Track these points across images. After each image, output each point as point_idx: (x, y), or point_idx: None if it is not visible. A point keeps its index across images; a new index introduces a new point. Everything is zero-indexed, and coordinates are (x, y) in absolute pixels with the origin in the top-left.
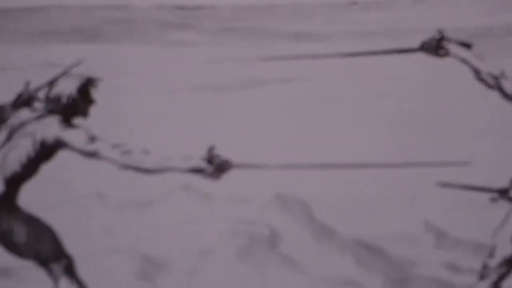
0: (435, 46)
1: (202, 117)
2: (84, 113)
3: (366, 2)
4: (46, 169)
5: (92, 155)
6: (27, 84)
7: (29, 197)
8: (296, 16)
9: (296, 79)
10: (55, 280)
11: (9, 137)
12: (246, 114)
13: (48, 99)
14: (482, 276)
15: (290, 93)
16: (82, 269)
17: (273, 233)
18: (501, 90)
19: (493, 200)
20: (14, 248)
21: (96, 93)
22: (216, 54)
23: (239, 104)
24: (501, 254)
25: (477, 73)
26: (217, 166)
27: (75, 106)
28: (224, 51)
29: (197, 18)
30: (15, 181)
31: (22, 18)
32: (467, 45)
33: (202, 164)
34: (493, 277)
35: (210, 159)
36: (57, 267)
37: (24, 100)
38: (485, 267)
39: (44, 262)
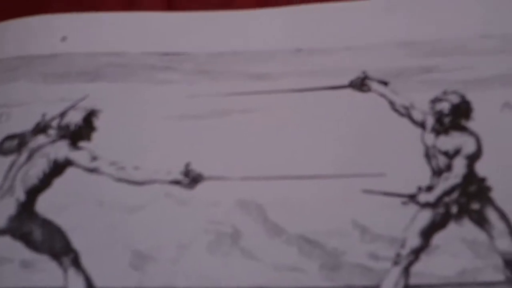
0: (360, 84)
1: (183, 140)
2: (88, 138)
3: (309, 48)
4: (57, 182)
5: (93, 170)
6: (44, 115)
7: (44, 204)
8: (255, 61)
9: (255, 109)
10: (65, 269)
11: (29, 157)
12: (216, 137)
13: (59, 127)
14: (395, 263)
15: (249, 121)
16: (86, 261)
17: (235, 231)
18: (410, 118)
19: (404, 203)
20: (33, 245)
21: (97, 122)
22: (194, 90)
23: (211, 129)
24: (410, 245)
25: (392, 104)
26: (192, 179)
27: (80, 133)
28: (200, 88)
29: (178, 62)
30: (33, 192)
31: (41, 62)
32: (385, 83)
33: (180, 177)
34: (403, 263)
35: (186, 173)
36: (66, 260)
37: (41, 128)
38: (398, 255)
39: (56, 256)
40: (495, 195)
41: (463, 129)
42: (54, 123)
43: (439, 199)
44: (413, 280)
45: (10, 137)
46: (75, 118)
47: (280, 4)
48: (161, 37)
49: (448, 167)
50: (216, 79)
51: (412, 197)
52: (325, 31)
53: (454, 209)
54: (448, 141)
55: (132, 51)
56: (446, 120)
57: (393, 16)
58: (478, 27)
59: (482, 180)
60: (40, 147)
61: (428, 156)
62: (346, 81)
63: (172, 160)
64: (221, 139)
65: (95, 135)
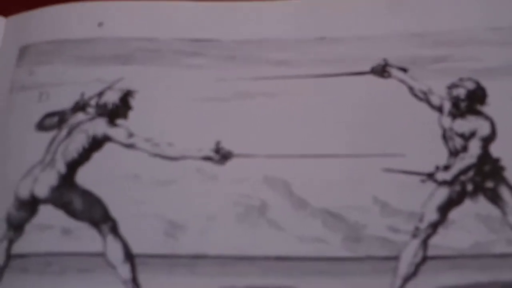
0: (381, 70)
1: (212, 120)
2: (125, 116)
3: (332, 37)
4: (96, 156)
5: (130, 146)
6: (82, 94)
7: (84, 176)
8: (278, 48)
9: (278, 93)
10: (104, 237)
11: (69, 133)
12: (242, 118)
13: (97, 106)
14: (414, 236)
15: (273, 104)
16: (124, 229)
17: (262, 204)
18: (428, 102)
19: (422, 181)
20: (73, 214)
21: (133, 101)
22: (220, 75)
23: (238, 110)
24: (428, 220)
25: (411, 89)
26: (222, 156)
27: (117, 111)
28: (225, 73)
29: (205, 48)
30: (74, 165)
31: (77, 46)
32: (404, 69)
33: (211, 154)
34: (422, 236)
35: (217, 150)
36: (105, 227)
37: (80, 106)
38: (416, 229)
39: (95, 224)
40: (508, 174)
41: (479, 113)
42: (93, 102)
43: (456, 177)
44: (430, 252)
45: (50, 114)
46: (112, 97)
47: None
48: (190, 24)
49: (464, 148)
50: (242, 64)
51: (430, 176)
52: (346, 22)
53: (469, 187)
54: (464, 124)
55: (163, 37)
56: (462, 104)
57: (407, 8)
58: (487, 19)
59: (496, 160)
60: (79, 124)
61: (445, 138)
62: (366, 68)
63: (201, 138)
64: (247, 120)
65: (131, 114)
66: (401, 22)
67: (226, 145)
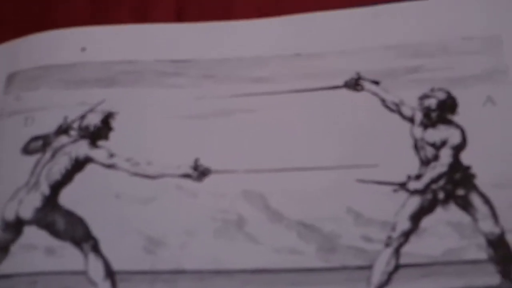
0: (354, 84)
1: (192, 137)
2: (106, 137)
3: (307, 53)
4: (78, 177)
5: (111, 166)
6: (65, 118)
7: (66, 197)
8: (256, 65)
9: (257, 109)
10: (85, 255)
11: (53, 156)
12: (221, 134)
13: (80, 128)
14: (387, 244)
15: (251, 119)
16: (105, 247)
17: (240, 218)
18: (400, 113)
19: (395, 190)
20: (57, 234)
21: (114, 123)
22: (200, 93)
23: (217, 127)
24: (400, 228)
25: (383, 101)
26: (200, 172)
27: (99, 133)
28: (205, 91)
29: (185, 68)
30: (57, 187)
31: (62, 71)
32: (376, 82)
33: (189, 171)
34: (394, 245)
35: (195, 167)
36: (86, 246)
37: (63, 130)
38: (389, 238)
39: (77, 243)
40: (479, 181)
41: (449, 122)
42: (75, 125)
43: (427, 186)
44: (403, 260)
45: (35, 138)
46: (94, 120)
47: (279, 14)
48: (170, 46)
49: (435, 157)
50: (221, 82)
51: (402, 185)
52: (320, 37)
53: (441, 195)
54: (435, 134)
55: (144, 59)
56: (434, 114)
57: (380, 22)
58: (459, 30)
59: (467, 168)
60: (62, 147)
61: (416, 147)
62: (341, 82)
63: (181, 156)
64: (226, 137)
65: (112, 135)
66: (374, 35)
67: (206, 162)
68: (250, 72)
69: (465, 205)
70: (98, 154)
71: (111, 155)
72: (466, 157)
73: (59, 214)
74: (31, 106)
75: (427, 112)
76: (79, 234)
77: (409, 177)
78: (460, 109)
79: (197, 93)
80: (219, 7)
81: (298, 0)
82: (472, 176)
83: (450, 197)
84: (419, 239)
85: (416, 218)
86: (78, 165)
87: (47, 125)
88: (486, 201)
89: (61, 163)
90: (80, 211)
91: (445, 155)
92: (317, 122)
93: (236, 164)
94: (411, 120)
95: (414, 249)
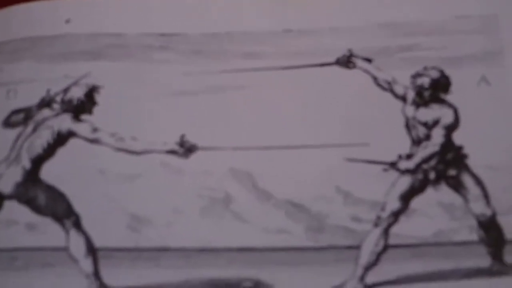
0: (346, 61)
1: (179, 114)
2: (90, 111)
3: (298, 29)
4: (61, 152)
5: (94, 141)
6: (48, 91)
7: (48, 172)
8: (246, 40)
9: (247, 86)
10: (66, 231)
11: (34, 129)
12: (210, 111)
13: (63, 102)
14: (376, 225)
15: (241, 96)
16: (87, 224)
17: (227, 196)
18: (392, 91)
19: (385, 170)
20: (37, 209)
21: (98, 97)
22: (188, 69)
23: (205, 104)
24: (389, 208)
25: (375, 79)
26: (186, 149)
27: (83, 106)
28: (194, 67)
29: (173, 42)
30: (38, 161)
31: (45, 43)
32: (369, 60)
33: (176, 147)
34: (383, 225)
35: (181, 143)
36: (68, 222)
37: (45, 103)
38: (378, 218)
39: (58, 219)
40: (471, 162)
41: (442, 101)
42: (58, 98)
43: (418, 166)
44: (392, 240)
45: (16, 111)
46: (77, 93)
47: None
48: (158, 19)
49: (427, 137)
50: (210, 58)
51: (392, 164)
52: (312, 14)
53: (432, 175)
54: (428, 113)
55: (131, 32)
56: (426, 93)
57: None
58: (455, 8)
59: (459, 148)
60: (44, 120)
61: (408, 126)
62: (332, 59)
63: (168, 133)
64: (214, 113)
65: (96, 109)
66: (367, 13)
67: (193, 139)
68: (240, 48)
69: (457, 186)
70: (81, 128)
71: (95, 130)
72: (458, 137)
73: (40, 189)
74: (14, 79)
75: (419, 90)
76: (60, 210)
77: (400, 157)
78: (454, 88)
79: (185, 69)
80: None
81: None
82: (464, 157)
83: (441, 177)
84: (409, 219)
85: (406, 198)
86: (61, 139)
87: (30, 98)
88: (478, 182)
89: (43, 137)
90: (62, 186)
91: (437, 135)
92: (308, 99)
93: (224, 141)
94: (403, 98)
95: (403, 230)
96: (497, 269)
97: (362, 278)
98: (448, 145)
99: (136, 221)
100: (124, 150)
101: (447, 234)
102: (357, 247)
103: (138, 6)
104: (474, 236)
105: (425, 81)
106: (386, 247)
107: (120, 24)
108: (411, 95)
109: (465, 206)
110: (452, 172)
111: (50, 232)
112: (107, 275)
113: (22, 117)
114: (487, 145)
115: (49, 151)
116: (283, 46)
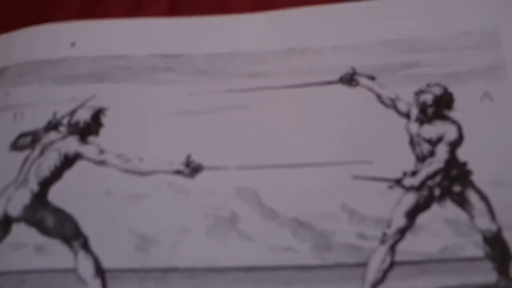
0: (349, 79)
1: (184, 134)
2: (96, 133)
3: (301, 48)
4: (68, 174)
5: (101, 163)
6: (55, 114)
7: (55, 194)
8: (249, 60)
9: (251, 105)
10: (75, 253)
11: (42, 152)
12: (214, 130)
13: (69, 124)
14: (382, 241)
15: (245, 115)
16: (95, 245)
17: (233, 215)
18: (396, 109)
19: (390, 187)
20: (46, 231)
21: (104, 119)
22: (193, 89)
23: (210, 123)
24: (395, 225)
25: (379, 97)
26: (192, 169)
27: (89, 129)
28: (198, 87)
29: (177, 63)
30: (46, 183)
31: (51, 66)
32: (372, 77)
33: (181, 167)
34: (389, 242)
35: (187, 163)
36: (76, 244)
37: (52, 126)
38: (384, 235)
39: (67, 240)
40: (475, 178)
41: (446, 118)
42: (65, 121)
43: (423, 182)
44: (398, 257)
45: (24, 134)
46: (84, 115)
47: (274, 8)
48: (162, 40)
49: (431, 153)
50: (214, 78)
51: (397, 182)
52: (315, 32)
53: (437, 192)
54: (432, 130)
55: (135, 54)
56: (430, 110)
57: (377, 17)
58: (457, 25)
59: (463, 164)
60: (51, 143)
61: (412, 143)
62: (336, 78)
63: (174, 153)
64: (219, 133)
65: (102, 131)
66: (370, 30)
67: (198, 158)
68: (244, 67)
69: (462, 202)
70: (88, 150)
71: (102, 151)
72: (462, 153)
73: (48, 211)
74: (20, 102)
75: (423, 107)
76: (68, 232)
77: (404, 174)
78: (457, 104)
79: (189, 89)
80: (214, 0)
81: None
82: (468, 173)
83: (446, 193)
84: (414, 236)
85: (412, 214)
86: (68, 161)
87: (37, 121)
88: (483, 197)
89: (50, 160)
90: (69, 208)
91: (441, 151)
92: (312, 118)
93: (229, 161)
94: (406, 115)
95: (409, 246)
96: (504, 284)
97: None
98: (452, 161)
99: (143, 241)
100: (130, 171)
101: (453, 250)
102: (364, 265)
103: (142, 28)
104: (480, 252)
105: (428, 98)
106: (392, 264)
107: (125, 46)
108: (414, 112)
109: (470, 222)
110: (457, 188)
111: (58, 254)
112: None
113: (30, 140)
114: (491, 161)
115: (57, 173)
116: (286, 65)
